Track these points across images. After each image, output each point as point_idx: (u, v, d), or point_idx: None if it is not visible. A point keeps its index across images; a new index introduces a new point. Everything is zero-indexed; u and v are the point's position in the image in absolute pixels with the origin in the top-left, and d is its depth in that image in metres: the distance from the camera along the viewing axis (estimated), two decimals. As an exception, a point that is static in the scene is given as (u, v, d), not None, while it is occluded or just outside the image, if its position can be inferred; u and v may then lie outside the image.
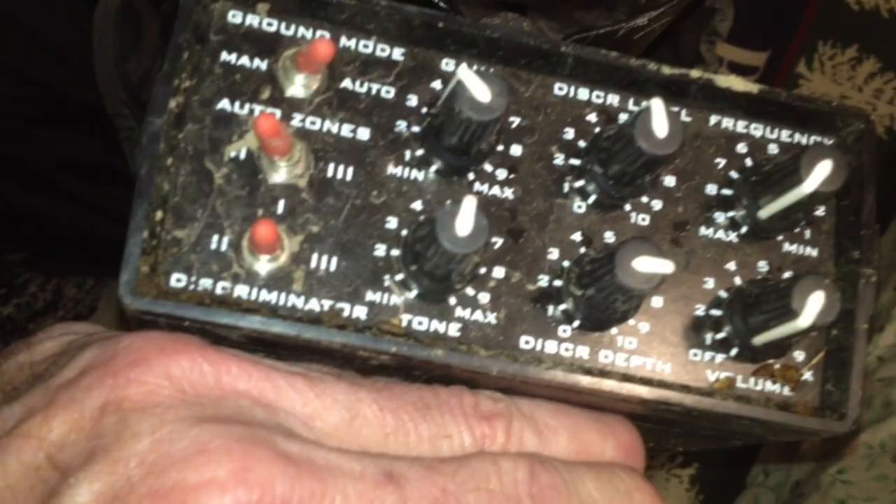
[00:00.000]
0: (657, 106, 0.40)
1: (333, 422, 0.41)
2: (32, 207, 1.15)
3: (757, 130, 0.47)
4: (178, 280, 0.41)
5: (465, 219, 0.38)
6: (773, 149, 0.47)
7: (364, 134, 0.43)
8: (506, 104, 0.39)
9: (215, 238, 0.42)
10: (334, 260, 0.42)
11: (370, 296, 0.43)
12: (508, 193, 0.44)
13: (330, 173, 0.43)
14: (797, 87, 1.65)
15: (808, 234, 0.47)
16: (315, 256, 0.42)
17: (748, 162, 0.47)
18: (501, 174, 0.44)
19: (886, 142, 1.63)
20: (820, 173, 0.41)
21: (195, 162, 0.42)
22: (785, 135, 0.47)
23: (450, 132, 0.41)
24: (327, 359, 0.44)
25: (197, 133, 0.42)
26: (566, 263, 0.44)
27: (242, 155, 0.42)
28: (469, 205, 0.38)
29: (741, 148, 0.47)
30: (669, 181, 0.46)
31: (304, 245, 0.42)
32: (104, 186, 1.11)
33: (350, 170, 0.43)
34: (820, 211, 0.47)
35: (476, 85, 0.39)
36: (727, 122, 0.47)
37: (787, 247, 0.46)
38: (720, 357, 0.45)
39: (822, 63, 1.67)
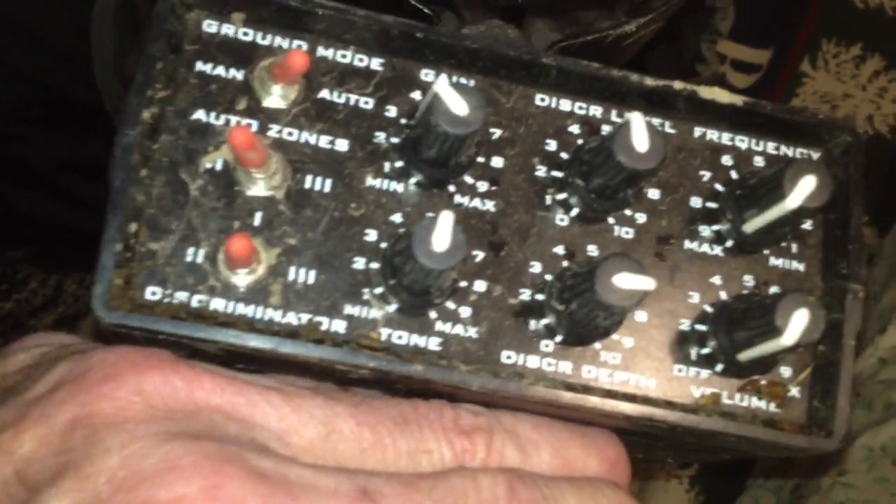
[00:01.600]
0: (637, 120, 0.39)
1: (309, 437, 0.41)
2: (33, 208, 1.15)
3: (742, 143, 0.46)
4: (152, 293, 0.41)
5: (442, 234, 0.38)
6: (758, 161, 0.46)
7: (342, 145, 0.43)
8: (483, 118, 0.38)
9: (191, 251, 0.41)
10: (312, 273, 0.42)
11: (349, 309, 0.42)
12: (489, 206, 0.44)
13: (308, 185, 0.42)
14: (801, 85, 1.64)
15: (794, 248, 0.46)
16: (293, 269, 0.42)
17: (733, 175, 0.46)
18: (482, 186, 0.44)
19: (889, 140, 1.62)
20: (804, 189, 0.40)
21: (170, 173, 0.41)
22: (771, 147, 0.46)
23: (428, 145, 0.41)
24: (305, 372, 0.43)
25: (172, 144, 0.41)
26: (548, 277, 0.44)
27: (219, 166, 0.42)
28: (446, 220, 0.38)
29: (726, 160, 0.46)
30: (653, 194, 0.45)
31: (281, 258, 0.42)
32: (105, 186, 1.11)
33: (328, 181, 0.42)
34: (807, 225, 0.46)
35: (453, 98, 0.38)
36: (712, 134, 0.46)
37: (773, 261, 0.46)
38: (705, 373, 0.45)
39: (825, 61, 1.66)
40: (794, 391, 0.45)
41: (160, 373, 0.39)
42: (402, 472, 0.41)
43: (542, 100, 0.45)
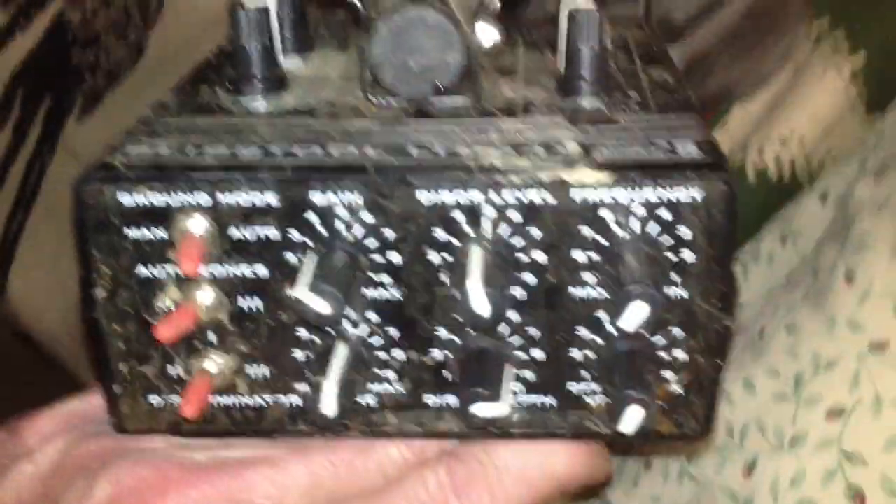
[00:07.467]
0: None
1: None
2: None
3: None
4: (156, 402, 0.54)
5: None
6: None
7: (262, 270, 0.51)
8: (342, 307, 0.46)
9: (170, 367, 0.53)
10: (264, 367, 0.53)
11: (300, 387, 0.53)
12: (397, 294, 0.51)
13: (243, 305, 0.51)
14: None
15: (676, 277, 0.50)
16: (249, 367, 0.53)
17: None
18: (387, 280, 0.51)
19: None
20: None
21: (136, 318, 0.52)
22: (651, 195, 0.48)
23: None
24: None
25: (130, 297, 0.51)
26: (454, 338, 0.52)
27: (172, 306, 0.51)
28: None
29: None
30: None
31: (238, 361, 0.53)
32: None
33: (257, 300, 0.51)
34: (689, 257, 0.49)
35: (314, 301, 0.45)
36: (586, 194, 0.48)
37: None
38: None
39: None
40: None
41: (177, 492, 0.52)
42: None
43: (423, 195, 0.49)
